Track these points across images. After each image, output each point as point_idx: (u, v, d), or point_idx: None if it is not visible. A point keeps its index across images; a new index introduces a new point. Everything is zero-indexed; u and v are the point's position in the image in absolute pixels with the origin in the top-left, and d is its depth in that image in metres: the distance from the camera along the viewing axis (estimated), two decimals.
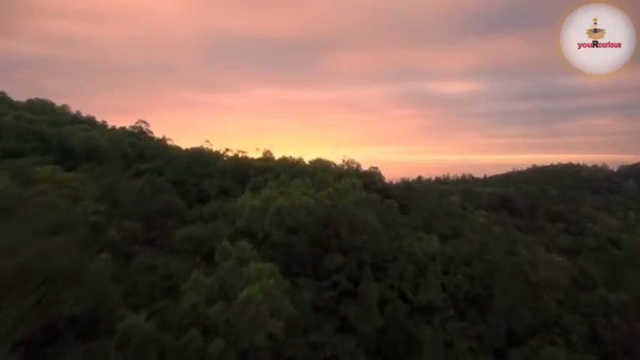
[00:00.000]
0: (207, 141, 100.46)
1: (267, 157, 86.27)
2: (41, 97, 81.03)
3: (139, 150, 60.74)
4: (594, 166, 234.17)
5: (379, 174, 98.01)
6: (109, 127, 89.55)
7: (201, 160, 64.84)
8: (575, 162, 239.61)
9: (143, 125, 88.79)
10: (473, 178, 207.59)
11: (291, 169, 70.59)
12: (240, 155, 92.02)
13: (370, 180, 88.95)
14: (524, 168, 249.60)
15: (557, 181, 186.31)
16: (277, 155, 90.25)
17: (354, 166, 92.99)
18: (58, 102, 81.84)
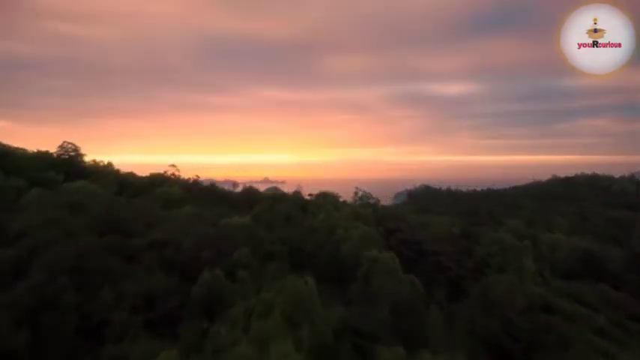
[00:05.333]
0: (173, 165, 74.94)
1: (251, 196, 60.85)
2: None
3: (19, 206, 35.17)
4: (622, 177, 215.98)
5: (403, 217, 73.03)
6: (26, 151, 64.21)
7: (136, 214, 39.56)
8: (600, 173, 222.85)
9: (70, 148, 63.25)
10: (493, 190, 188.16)
11: (279, 222, 45.90)
12: (211, 188, 66.68)
13: (394, 225, 64.53)
14: (544, 179, 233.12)
15: (589, 199, 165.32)
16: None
17: (371, 201, 68.20)
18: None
